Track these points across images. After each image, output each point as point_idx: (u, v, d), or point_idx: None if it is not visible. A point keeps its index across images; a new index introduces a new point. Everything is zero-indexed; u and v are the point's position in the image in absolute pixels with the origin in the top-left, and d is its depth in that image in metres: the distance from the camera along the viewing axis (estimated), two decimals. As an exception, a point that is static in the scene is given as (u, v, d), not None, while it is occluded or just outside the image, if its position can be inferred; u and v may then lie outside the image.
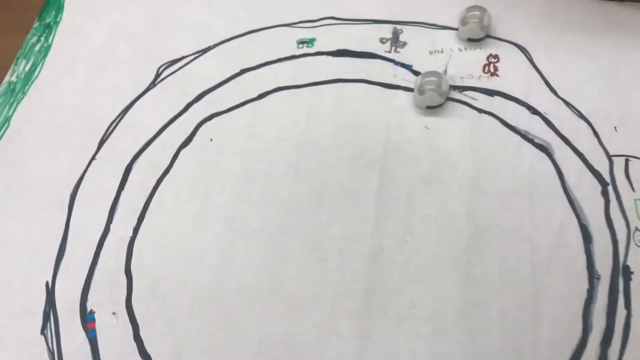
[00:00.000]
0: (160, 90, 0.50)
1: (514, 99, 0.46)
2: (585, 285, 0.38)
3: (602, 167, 0.43)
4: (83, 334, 0.39)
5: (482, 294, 0.39)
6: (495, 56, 0.49)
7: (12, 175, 0.46)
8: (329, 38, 0.52)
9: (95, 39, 0.53)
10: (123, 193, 0.45)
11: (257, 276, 0.40)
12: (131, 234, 0.43)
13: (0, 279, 0.42)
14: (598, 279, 0.38)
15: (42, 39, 0.54)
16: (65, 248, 0.43)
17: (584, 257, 0.39)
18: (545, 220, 0.41)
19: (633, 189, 0.41)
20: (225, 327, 0.39)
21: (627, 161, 0.43)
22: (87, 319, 0.40)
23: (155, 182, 0.45)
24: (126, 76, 0.51)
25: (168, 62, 0.51)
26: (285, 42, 0.52)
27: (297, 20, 0.53)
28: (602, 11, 0.51)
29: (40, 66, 0.52)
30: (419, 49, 0.50)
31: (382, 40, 0.51)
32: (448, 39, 0.50)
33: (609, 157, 0.43)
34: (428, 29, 0.51)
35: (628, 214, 0.40)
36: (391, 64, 0.49)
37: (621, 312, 0.37)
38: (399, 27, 0.52)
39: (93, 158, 0.47)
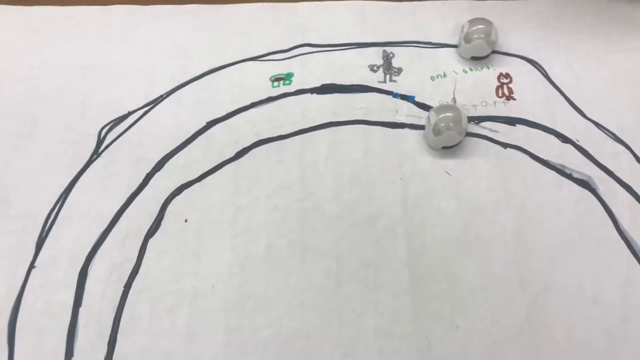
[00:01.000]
0: (106, 161, 0.39)
1: (539, 125, 0.40)
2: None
3: (654, 199, 0.37)
4: None
5: (557, 378, 0.32)
6: (507, 75, 0.42)
7: None
8: (309, 70, 0.43)
9: (6, 101, 0.41)
10: (81, 310, 0.34)
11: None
12: (102, 367, 0.33)
13: None
14: (681, 338, 0.33)
15: None
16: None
17: (661, 314, 0.34)
18: (607, 274, 0.35)
19: (693, 221, 0.36)
20: None
21: (678, 188, 0.37)
22: None
23: (122, 290, 0.35)
24: (58, 147, 0.39)
25: (111, 121, 0.40)
26: (257, 80, 0.42)
27: (266, 52, 0.44)
28: (612, 11, 0.45)
29: None
30: (418, 74, 0.42)
31: (373, 68, 0.43)
32: (449, 59, 0.43)
33: (660, 186, 0.38)
34: (423, 49, 0.44)
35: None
36: (390, 97, 0.41)
37: None
38: (388, 49, 0.43)
39: (32, 266, 0.35)
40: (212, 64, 0.43)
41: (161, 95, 0.41)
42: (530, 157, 0.39)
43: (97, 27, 0.45)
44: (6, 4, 0.45)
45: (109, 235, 0.36)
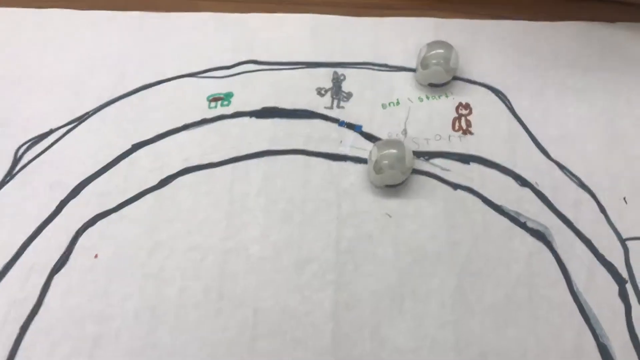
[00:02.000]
0: (20, 184, 0.36)
1: (496, 165, 0.36)
2: None
3: (616, 257, 0.33)
4: None
5: None
6: (467, 106, 0.38)
7: None
8: (251, 91, 0.39)
9: None
10: (-29, 352, 0.31)
11: None
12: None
13: None
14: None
15: None
16: None
17: (610, 391, 0.30)
18: (554, 341, 0.31)
19: (657, 285, 0.32)
20: None
21: (645, 246, 0.33)
22: None
23: (18, 330, 0.32)
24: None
25: (31, 139, 0.37)
26: (193, 99, 0.39)
27: (207, 68, 0.40)
28: (590, 34, 0.41)
29: None
30: (369, 101, 0.39)
31: (321, 92, 0.39)
32: (404, 85, 0.39)
33: (623, 242, 0.34)
34: (378, 72, 0.40)
35: (656, 321, 0.31)
36: (335, 125, 0.38)
37: None
38: (340, 71, 0.40)
39: None
40: (146, 78, 0.39)
41: (87, 112, 0.38)
42: (483, 200, 0.35)
43: (29, 33, 0.41)
44: None
45: (11, 269, 0.33)
